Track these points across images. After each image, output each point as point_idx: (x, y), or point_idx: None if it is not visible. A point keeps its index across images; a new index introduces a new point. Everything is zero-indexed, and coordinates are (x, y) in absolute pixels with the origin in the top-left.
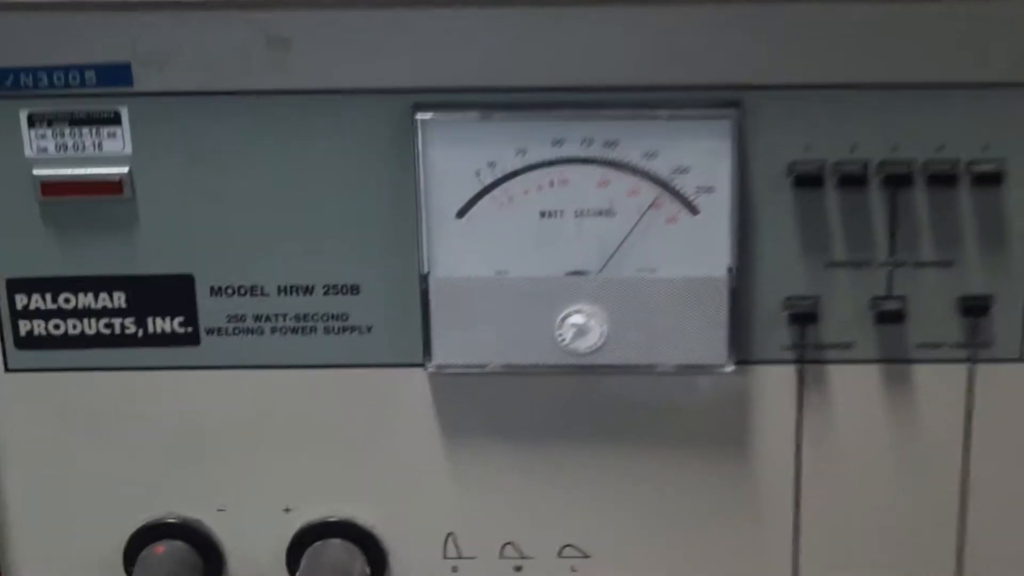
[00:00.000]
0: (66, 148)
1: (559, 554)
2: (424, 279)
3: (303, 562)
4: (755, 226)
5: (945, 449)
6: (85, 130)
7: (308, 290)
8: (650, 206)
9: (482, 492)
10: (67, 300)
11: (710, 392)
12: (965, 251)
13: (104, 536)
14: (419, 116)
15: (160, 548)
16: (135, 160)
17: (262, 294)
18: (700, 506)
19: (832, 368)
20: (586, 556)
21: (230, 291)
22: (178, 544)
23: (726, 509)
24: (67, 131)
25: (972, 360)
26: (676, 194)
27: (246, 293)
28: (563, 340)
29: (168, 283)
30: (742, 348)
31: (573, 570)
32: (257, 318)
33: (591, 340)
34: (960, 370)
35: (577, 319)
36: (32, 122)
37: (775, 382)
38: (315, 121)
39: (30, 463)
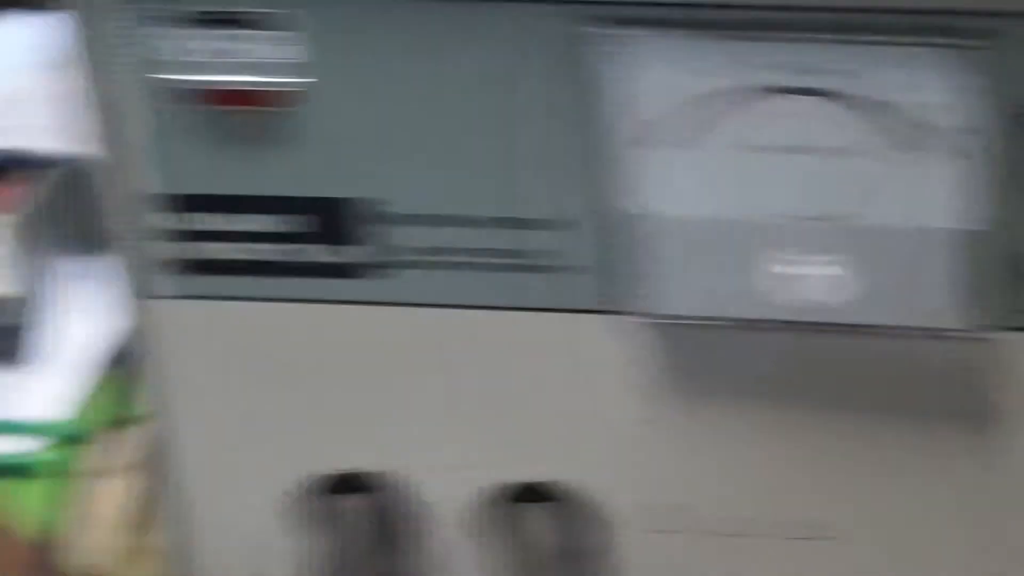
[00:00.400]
0: (237, 53)
1: (790, 535)
2: (631, 218)
3: (496, 526)
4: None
5: None
6: (258, 35)
7: (507, 223)
8: (892, 147)
9: (702, 460)
10: (241, 222)
11: (961, 362)
12: None
13: (280, 485)
14: (609, 31)
15: (342, 502)
16: (313, 70)
17: (462, 225)
18: (954, 491)
19: None
20: (826, 538)
21: (425, 220)
22: (359, 498)
23: (980, 496)
24: (238, 35)
25: None
26: (925, 132)
27: (442, 224)
28: (789, 292)
29: (351, 208)
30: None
31: (808, 552)
32: (459, 251)
33: (825, 295)
34: None
35: (807, 270)
36: (200, 24)
37: None
38: (507, 31)
39: (200, 402)
